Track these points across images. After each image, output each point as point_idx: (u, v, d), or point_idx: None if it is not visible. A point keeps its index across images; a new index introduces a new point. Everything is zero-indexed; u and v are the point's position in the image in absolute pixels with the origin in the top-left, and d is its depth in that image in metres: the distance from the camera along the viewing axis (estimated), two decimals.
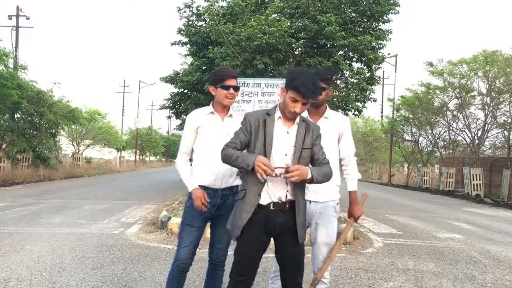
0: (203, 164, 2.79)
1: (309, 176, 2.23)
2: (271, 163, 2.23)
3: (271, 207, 2.32)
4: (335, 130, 2.96)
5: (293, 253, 2.37)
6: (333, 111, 3.06)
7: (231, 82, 2.78)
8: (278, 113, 2.37)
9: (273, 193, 2.32)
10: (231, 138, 2.36)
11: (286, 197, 2.32)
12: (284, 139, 2.34)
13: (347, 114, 13.27)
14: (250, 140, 2.34)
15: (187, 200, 2.87)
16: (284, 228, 2.34)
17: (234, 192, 2.75)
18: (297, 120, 2.39)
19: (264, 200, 2.32)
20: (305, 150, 2.35)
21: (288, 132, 2.34)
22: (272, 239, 2.42)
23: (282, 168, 2.25)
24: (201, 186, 2.77)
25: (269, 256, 3.27)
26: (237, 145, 2.31)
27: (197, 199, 2.69)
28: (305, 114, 2.99)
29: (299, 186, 2.34)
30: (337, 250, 2.83)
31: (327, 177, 2.34)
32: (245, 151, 2.36)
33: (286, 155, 2.33)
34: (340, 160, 3.04)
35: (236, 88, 2.82)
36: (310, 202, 2.84)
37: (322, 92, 2.87)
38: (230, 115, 2.87)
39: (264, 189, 2.31)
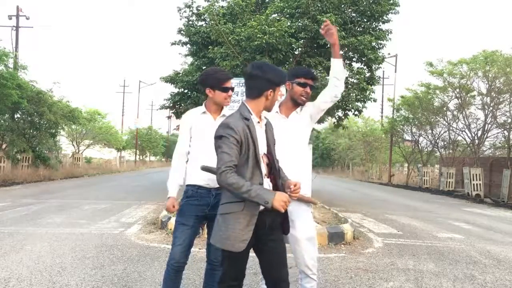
0: (196, 164, 2.81)
1: None
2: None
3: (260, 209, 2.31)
4: (305, 114, 3.04)
5: (276, 248, 2.38)
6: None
7: (229, 84, 2.87)
8: (254, 117, 2.33)
9: None
10: (224, 157, 2.15)
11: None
12: (261, 140, 2.35)
13: (347, 114, 13.29)
14: (241, 151, 2.22)
15: (181, 200, 2.92)
16: (270, 227, 2.35)
17: None
18: (263, 117, 2.42)
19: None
20: (273, 146, 2.43)
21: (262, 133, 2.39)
22: None
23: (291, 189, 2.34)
24: (195, 186, 2.83)
25: None
26: (234, 162, 2.17)
27: (167, 206, 2.97)
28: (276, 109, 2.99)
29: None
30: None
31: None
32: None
33: (263, 154, 2.35)
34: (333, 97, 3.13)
35: (233, 89, 2.95)
36: None
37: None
38: (224, 115, 2.89)
39: None
